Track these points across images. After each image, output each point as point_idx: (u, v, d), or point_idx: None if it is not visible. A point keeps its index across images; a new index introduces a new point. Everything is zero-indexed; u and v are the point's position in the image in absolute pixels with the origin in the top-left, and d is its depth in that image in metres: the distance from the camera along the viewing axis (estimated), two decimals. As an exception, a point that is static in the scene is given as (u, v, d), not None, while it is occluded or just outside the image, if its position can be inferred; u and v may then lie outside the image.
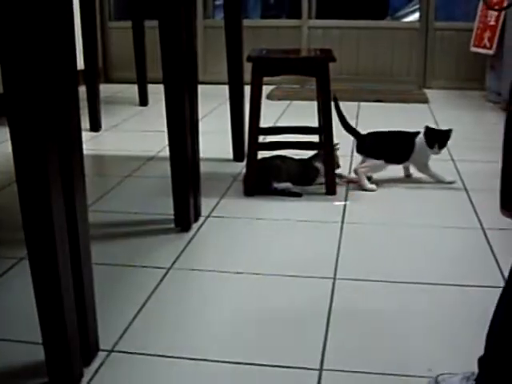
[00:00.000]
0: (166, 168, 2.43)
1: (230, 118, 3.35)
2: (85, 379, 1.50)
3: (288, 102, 4.96)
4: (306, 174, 2.90)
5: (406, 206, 2.73)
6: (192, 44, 2.37)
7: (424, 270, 2.08)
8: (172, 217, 2.45)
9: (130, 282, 2.02)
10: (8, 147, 1.33)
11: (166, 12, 2.24)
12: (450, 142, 2.93)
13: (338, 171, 2.92)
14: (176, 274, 2.07)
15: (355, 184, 2.92)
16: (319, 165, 2.88)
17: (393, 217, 2.58)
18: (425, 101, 5.05)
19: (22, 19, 1.23)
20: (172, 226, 2.45)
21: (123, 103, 4.97)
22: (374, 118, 4.27)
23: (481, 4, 4.95)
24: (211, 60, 5.59)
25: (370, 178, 2.95)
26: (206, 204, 2.62)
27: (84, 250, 1.48)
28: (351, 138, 3.02)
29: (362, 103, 4.86)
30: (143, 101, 4.85)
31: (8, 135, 1.30)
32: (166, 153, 2.43)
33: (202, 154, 2.56)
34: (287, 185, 2.83)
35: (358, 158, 3.02)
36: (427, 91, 5.44)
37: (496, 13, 4.71)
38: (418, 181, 3.00)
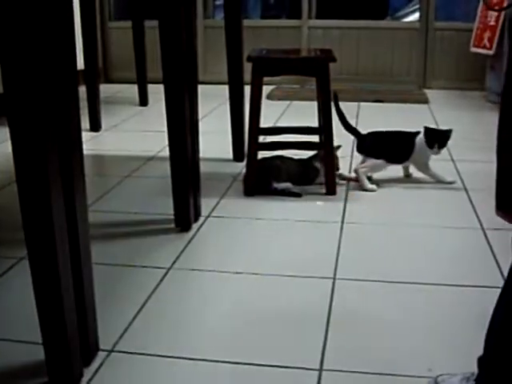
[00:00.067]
0: (166, 168, 2.43)
1: (229, 118, 3.35)
2: (85, 379, 1.50)
3: (288, 102, 4.96)
4: (305, 174, 2.90)
5: (406, 206, 2.73)
6: (192, 44, 2.37)
7: (424, 270, 2.08)
8: (172, 217, 2.45)
9: (130, 281, 2.02)
10: (8, 147, 1.33)
11: (166, 12, 2.24)
12: (450, 142, 2.93)
13: (337, 173, 2.92)
14: (176, 273, 2.07)
15: (355, 183, 2.93)
16: (319, 165, 2.88)
17: (393, 217, 2.58)
18: (425, 101, 5.05)
19: (22, 19, 1.23)
20: (172, 225, 2.45)
21: (123, 103, 4.97)
22: (374, 118, 4.27)
23: (481, 4, 4.95)
24: (211, 60, 5.59)
25: (370, 178, 2.95)
26: (205, 204, 2.62)
27: (84, 250, 1.49)
28: (351, 138, 3.02)
29: (362, 103, 4.86)
30: (143, 101, 4.85)
31: (8, 135, 1.30)
32: (166, 153, 2.43)
33: (201, 154, 2.56)
34: (287, 185, 2.83)
35: (357, 158, 3.02)
36: (427, 91, 5.44)
37: (496, 13, 4.71)
38: (418, 181, 3.00)
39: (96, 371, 1.53)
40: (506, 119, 1.14)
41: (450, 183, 2.94)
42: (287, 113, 4.58)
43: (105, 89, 4.81)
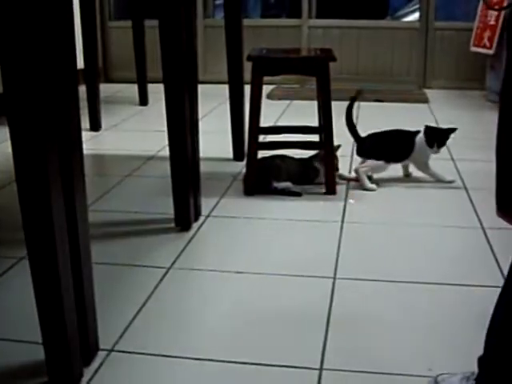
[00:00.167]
0: (166, 167, 2.43)
1: (230, 117, 3.35)
2: (85, 379, 1.50)
3: (288, 101, 4.96)
4: (305, 174, 2.90)
5: (406, 205, 2.73)
6: (192, 43, 2.36)
7: (424, 270, 2.08)
8: (172, 216, 2.45)
9: (130, 281, 2.02)
10: (8, 147, 1.33)
11: (166, 11, 2.24)
12: (450, 141, 2.93)
13: (337, 173, 2.92)
14: (176, 273, 2.07)
15: (355, 183, 2.93)
16: (319, 165, 2.88)
17: (393, 216, 2.58)
18: (425, 101, 5.05)
19: (22, 19, 1.23)
20: (172, 225, 2.45)
21: (123, 103, 4.97)
22: (374, 117, 4.27)
23: (481, 4, 4.95)
24: (211, 59, 5.59)
25: (370, 178, 2.95)
26: (206, 203, 2.62)
27: (84, 250, 1.48)
28: (351, 138, 3.01)
29: (362, 103, 4.85)
30: (143, 100, 4.84)
31: (8, 135, 1.30)
32: (166, 152, 2.43)
33: (202, 154, 2.56)
34: (287, 184, 2.83)
35: (357, 158, 3.02)
36: (427, 91, 5.44)
37: (496, 12, 4.71)
38: (418, 180, 3.00)
39: (96, 371, 1.53)
40: (506, 120, 1.13)
41: (450, 182, 2.94)
42: (287, 112, 4.58)
43: (105, 88, 4.81)
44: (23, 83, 1.27)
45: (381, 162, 2.89)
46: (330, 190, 2.82)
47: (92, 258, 1.55)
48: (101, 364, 1.56)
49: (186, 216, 2.43)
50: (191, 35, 2.35)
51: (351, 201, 2.75)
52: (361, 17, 5.85)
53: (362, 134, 2.96)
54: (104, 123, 4.14)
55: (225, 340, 1.68)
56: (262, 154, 2.89)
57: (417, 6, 6.00)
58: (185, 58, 2.31)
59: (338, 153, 2.92)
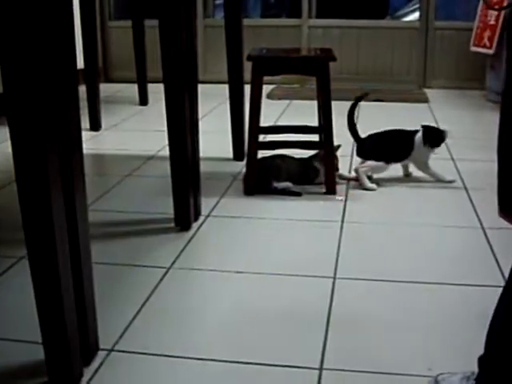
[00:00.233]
0: (166, 167, 2.43)
1: (230, 117, 3.35)
2: (85, 379, 1.50)
3: (288, 101, 4.96)
4: (305, 174, 2.90)
5: (406, 205, 2.73)
6: (192, 43, 2.36)
7: (424, 270, 2.08)
8: (172, 216, 2.45)
9: (130, 281, 2.02)
10: (8, 147, 1.33)
11: (166, 11, 2.24)
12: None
13: (337, 173, 2.92)
14: (176, 273, 2.07)
15: (355, 182, 2.93)
16: (319, 164, 2.88)
17: (393, 216, 2.58)
18: (425, 100, 5.05)
19: (22, 19, 1.23)
20: (172, 225, 2.45)
21: (123, 102, 4.97)
22: (374, 117, 4.27)
23: (481, 3, 4.95)
24: (211, 59, 5.59)
25: (370, 178, 2.95)
26: (205, 203, 2.61)
27: (84, 250, 1.48)
28: (351, 138, 3.01)
29: (362, 103, 4.83)
30: (143, 100, 4.84)
31: (8, 135, 1.30)
32: (166, 152, 2.43)
33: (201, 154, 2.56)
34: (287, 184, 2.83)
35: (357, 158, 3.02)
36: (427, 91, 5.44)
37: (496, 12, 4.71)
38: (418, 180, 3.00)
39: (96, 371, 1.53)
40: (507, 120, 1.13)
41: (450, 182, 2.94)
42: (287, 112, 4.58)
43: (105, 88, 4.81)
44: (23, 83, 1.27)
45: (381, 163, 2.89)
46: (330, 190, 2.82)
47: (92, 257, 1.55)
48: (101, 364, 1.56)
49: (185, 216, 2.43)
50: (191, 35, 2.35)
51: (339, 198, 2.75)
52: (361, 16, 5.85)
53: (362, 133, 2.96)
54: (104, 123, 4.14)
55: (225, 340, 1.68)
56: (262, 153, 2.89)
57: (417, 6, 6.00)
58: (185, 57, 2.31)
59: (338, 153, 2.92)
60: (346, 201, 2.75)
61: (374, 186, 2.90)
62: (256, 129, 2.81)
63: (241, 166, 3.16)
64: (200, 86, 2.52)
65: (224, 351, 1.62)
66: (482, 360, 1.27)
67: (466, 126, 4.07)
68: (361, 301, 1.89)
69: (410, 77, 5.69)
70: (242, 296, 1.92)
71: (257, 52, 2.90)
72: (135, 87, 4.85)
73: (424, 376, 1.48)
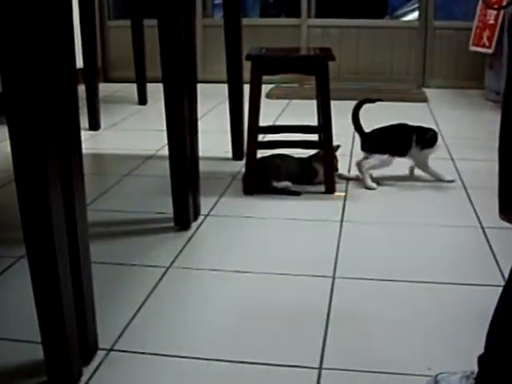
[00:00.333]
0: (166, 167, 2.43)
1: (229, 116, 3.34)
2: (84, 378, 1.50)
3: (287, 100, 4.96)
4: (305, 173, 2.90)
5: (406, 204, 2.73)
6: (191, 43, 2.36)
7: (423, 269, 2.08)
8: (171, 215, 2.45)
9: (129, 280, 2.02)
10: (7, 146, 1.33)
11: (165, 11, 2.24)
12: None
13: (336, 173, 2.92)
14: (175, 272, 2.07)
15: (355, 182, 2.92)
16: (318, 164, 2.88)
17: (392, 215, 2.58)
18: (424, 100, 5.05)
19: (22, 18, 1.23)
20: (171, 224, 2.45)
21: (122, 102, 4.97)
22: (374, 116, 4.26)
23: (480, 3, 4.95)
24: (210, 59, 5.59)
25: (370, 177, 2.94)
26: (205, 203, 2.61)
27: (83, 249, 1.48)
28: (350, 137, 3.01)
29: (362, 102, 4.85)
30: (142, 100, 4.84)
31: (7, 134, 1.30)
32: (165, 152, 2.43)
33: (201, 153, 2.56)
34: (286, 184, 2.83)
35: (357, 158, 3.02)
36: (426, 90, 5.44)
37: (495, 12, 4.71)
38: (418, 180, 3.00)
39: (95, 370, 1.53)
40: (508, 120, 1.13)
41: (450, 182, 2.94)
42: (286, 111, 4.58)
43: (104, 88, 4.81)
44: (22, 82, 1.27)
45: (385, 157, 2.89)
46: (330, 190, 2.82)
47: (91, 257, 1.55)
48: (100, 363, 1.56)
49: (185, 215, 2.42)
50: (190, 34, 2.35)
51: (339, 193, 2.75)
52: (360, 16, 5.86)
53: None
54: (103, 122, 4.14)
55: (224, 339, 1.68)
56: (261, 153, 2.89)
57: (416, 5, 6.00)
58: (184, 57, 2.31)
59: (338, 153, 2.92)
60: (345, 200, 2.75)
61: (374, 184, 2.90)
62: (255, 128, 2.81)
63: (240, 166, 3.16)
64: (199, 86, 2.52)
65: (223, 351, 1.62)
66: (481, 359, 1.27)
67: (465, 126, 4.07)
68: (360, 300, 1.89)
69: (409, 76, 5.69)
70: (242, 295, 1.92)
71: (256, 51, 2.90)
72: (134, 87, 4.85)
73: (424, 375, 1.47)
